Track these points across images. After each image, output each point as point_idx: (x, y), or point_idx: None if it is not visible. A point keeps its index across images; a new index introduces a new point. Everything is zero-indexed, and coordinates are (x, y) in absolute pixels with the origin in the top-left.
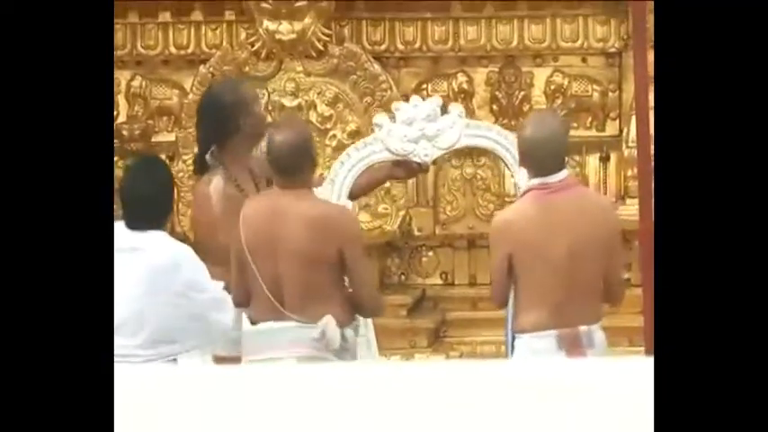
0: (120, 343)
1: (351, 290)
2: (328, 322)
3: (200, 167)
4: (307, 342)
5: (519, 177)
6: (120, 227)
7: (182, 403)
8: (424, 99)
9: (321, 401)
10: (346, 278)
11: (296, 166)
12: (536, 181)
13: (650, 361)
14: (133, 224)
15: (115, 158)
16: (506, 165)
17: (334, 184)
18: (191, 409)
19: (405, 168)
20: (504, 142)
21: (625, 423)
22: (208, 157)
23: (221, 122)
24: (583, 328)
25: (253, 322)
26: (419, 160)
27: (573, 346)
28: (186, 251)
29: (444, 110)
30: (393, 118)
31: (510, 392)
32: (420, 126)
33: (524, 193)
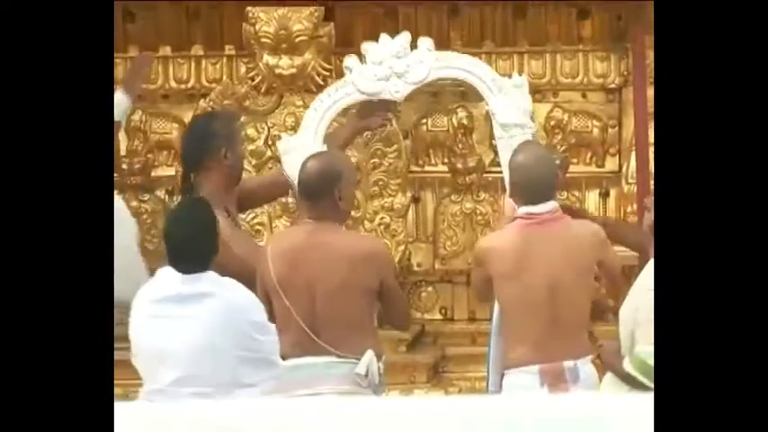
0: (189, 390)
1: (389, 311)
2: (372, 357)
3: (184, 188)
4: (350, 377)
5: (492, 104)
6: (167, 273)
7: None
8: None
9: None
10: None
11: (322, 193)
12: (523, 210)
13: (650, 397)
14: (183, 267)
15: (115, 192)
16: (480, 94)
17: (308, 131)
18: None
19: (369, 120)
20: (474, 70)
21: None
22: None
23: (205, 150)
24: (567, 363)
25: (283, 357)
26: (390, 97)
27: (556, 381)
28: (249, 292)
29: (414, 46)
30: (363, 59)
31: (508, 428)
32: (390, 64)
33: (513, 220)
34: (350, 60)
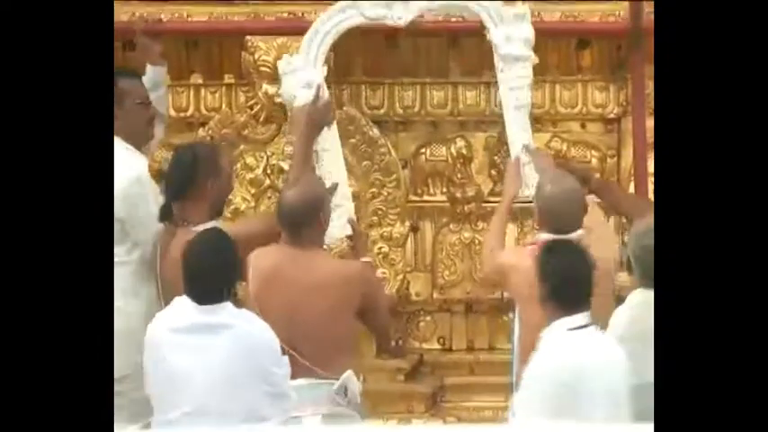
0: (202, 422)
1: (371, 329)
2: (350, 376)
3: (164, 216)
4: (330, 398)
5: (494, 34)
6: (184, 302)
7: None
8: None
9: None
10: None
11: (303, 222)
12: (549, 237)
13: (650, 428)
14: (200, 298)
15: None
16: (482, 23)
17: (310, 51)
18: None
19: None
20: None
21: None
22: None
23: (189, 179)
24: None
25: None
26: (393, 24)
27: None
28: (266, 324)
29: None
30: None
31: None
32: None
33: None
34: None
